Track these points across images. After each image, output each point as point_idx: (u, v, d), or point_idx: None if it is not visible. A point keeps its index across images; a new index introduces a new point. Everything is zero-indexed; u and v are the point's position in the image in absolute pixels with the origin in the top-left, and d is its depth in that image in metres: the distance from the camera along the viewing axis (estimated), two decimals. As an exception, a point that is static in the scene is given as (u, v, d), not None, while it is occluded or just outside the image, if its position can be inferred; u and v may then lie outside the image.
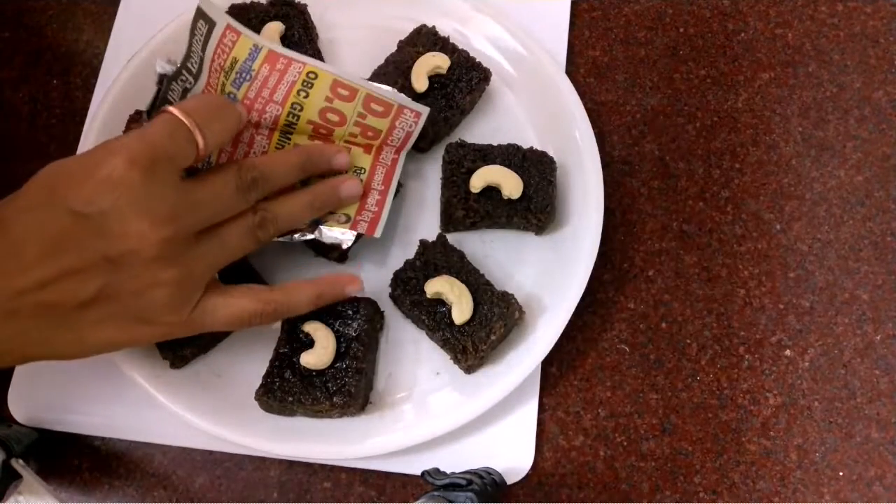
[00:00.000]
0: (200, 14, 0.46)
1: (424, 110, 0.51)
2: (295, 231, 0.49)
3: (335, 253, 0.52)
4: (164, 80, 0.47)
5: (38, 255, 0.38)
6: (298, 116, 0.49)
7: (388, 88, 0.50)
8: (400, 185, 0.53)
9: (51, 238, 0.38)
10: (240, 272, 0.49)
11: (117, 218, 0.38)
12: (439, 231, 0.54)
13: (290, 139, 0.50)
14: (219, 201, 0.43)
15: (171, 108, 0.42)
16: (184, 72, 0.46)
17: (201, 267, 0.42)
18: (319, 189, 0.48)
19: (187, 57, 0.46)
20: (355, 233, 0.50)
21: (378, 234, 0.50)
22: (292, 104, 0.48)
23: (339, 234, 0.50)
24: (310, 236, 0.49)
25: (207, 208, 0.42)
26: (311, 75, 0.47)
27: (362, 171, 0.51)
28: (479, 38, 0.57)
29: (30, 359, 0.42)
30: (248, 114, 0.47)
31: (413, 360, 0.52)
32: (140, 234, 0.39)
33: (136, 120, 0.52)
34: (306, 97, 0.48)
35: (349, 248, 0.51)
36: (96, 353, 0.42)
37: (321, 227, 0.50)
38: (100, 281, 0.39)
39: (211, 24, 0.46)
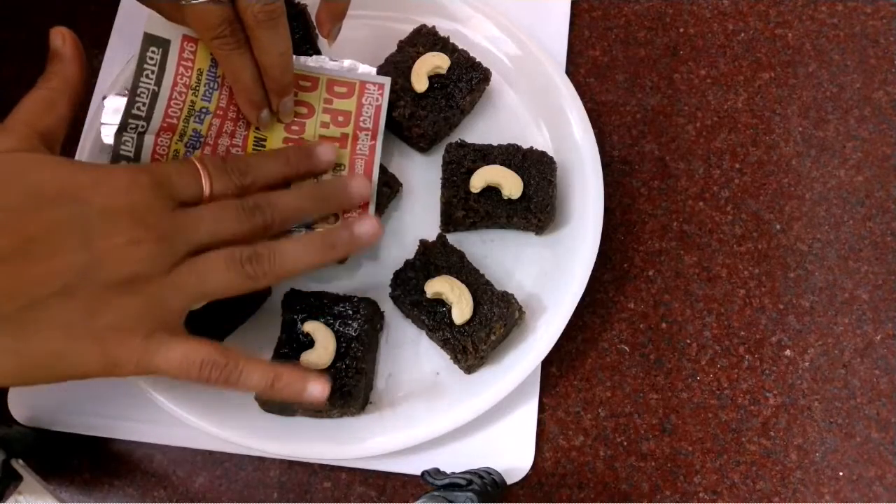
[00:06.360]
0: (150, 41, 0.43)
1: (386, 80, 0.51)
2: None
3: None
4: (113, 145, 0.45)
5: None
6: None
7: (346, 65, 0.51)
8: (400, 184, 0.53)
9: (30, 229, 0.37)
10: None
11: (105, 218, 0.38)
12: (439, 231, 0.54)
13: (263, 145, 0.49)
14: (214, 219, 0.42)
15: (192, 157, 0.43)
16: (130, 119, 0.44)
17: (177, 296, 0.41)
18: (336, 235, 0.46)
19: (132, 102, 0.43)
20: None
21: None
22: None
23: None
24: None
25: (203, 224, 0.42)
26: None
27: (342, 167, 0.50)
28: (479, 38, 0.57)
29: None
30: (223, 124, 0.47)
31: (413, 360, 0.52)
32: (125, 240, 0.38)
33: None
34: None
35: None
36: (33, 374, 0.39)
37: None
38: (66, 278, 0.37)
39: (165, 47, 0.43)
